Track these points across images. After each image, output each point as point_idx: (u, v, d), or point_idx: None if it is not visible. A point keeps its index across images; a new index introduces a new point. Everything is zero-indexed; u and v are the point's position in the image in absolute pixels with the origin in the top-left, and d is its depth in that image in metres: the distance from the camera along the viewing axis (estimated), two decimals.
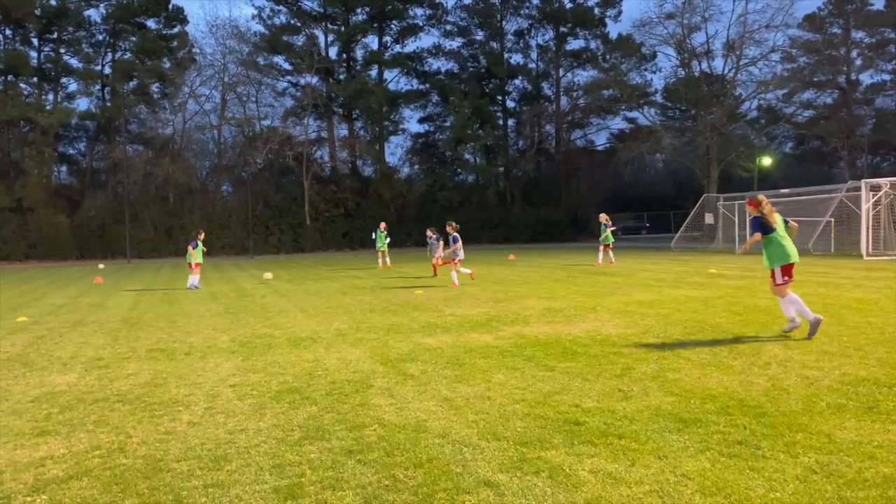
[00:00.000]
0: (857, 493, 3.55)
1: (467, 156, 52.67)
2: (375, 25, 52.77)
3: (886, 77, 62.03)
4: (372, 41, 54.16)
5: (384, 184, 50.19)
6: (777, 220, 8.06)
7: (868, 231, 22.52)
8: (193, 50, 48.95)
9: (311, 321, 10.64)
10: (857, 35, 61.95)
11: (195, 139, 49.45)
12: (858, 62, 62.62)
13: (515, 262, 25.86)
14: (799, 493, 3.60)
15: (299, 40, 51.47)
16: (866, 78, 62.91)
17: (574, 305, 11.54)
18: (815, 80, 60.63)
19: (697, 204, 35.15)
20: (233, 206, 47.68)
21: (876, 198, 22.36)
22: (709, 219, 34.02)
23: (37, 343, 9.28)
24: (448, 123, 53.09)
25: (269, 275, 20.44)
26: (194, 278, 17.35)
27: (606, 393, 5.71)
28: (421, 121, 57.16)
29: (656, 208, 61.33)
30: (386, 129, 53.50)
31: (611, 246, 21.57)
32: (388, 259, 24.48)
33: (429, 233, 20.28)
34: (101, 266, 33.75)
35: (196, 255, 17.31)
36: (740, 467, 3.96)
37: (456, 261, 16.32)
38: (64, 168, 52.02)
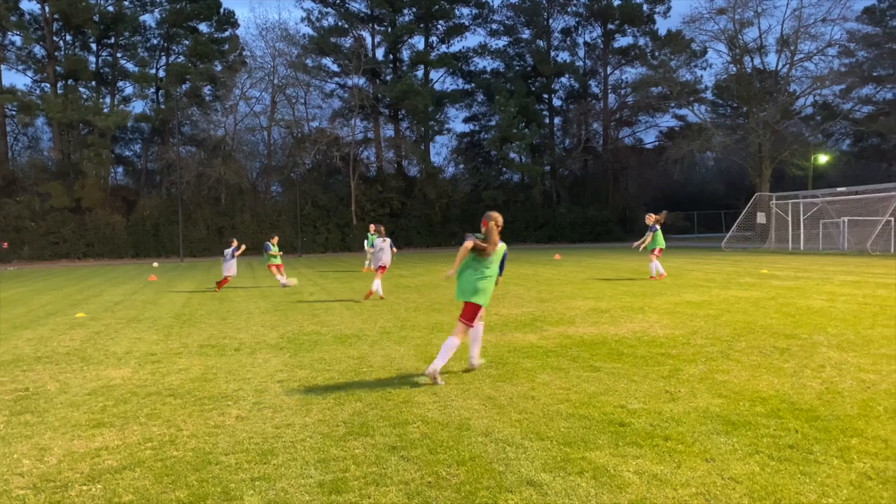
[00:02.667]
0: None
1: (513, 155, 52.39)
2: (422, 26, 52.90)
3: None
4: (418, 41, 54.41)
5: (429, 183, 50.36)
6: None
7: None
8: (244, 53, 49.88)
9: (357, 319, 10.75)
10: None
11: (246, 140, 50.39)
12: None
13: (561, 261, 25.64)
14: (853, 499, 3.49)
15: (347, 42, 52.00)
16: None
17: (621, 306, 11.39)
18: (875, 74, 58.56)
19: (749, 203, 34.28)
20: (282, 206, 48.48)
21: None
22: (761, 218, 33.15)
23: (94, 338, 9.60)
24: (493, 123, 52.91)
25: (155, 264, 20.44)
26: (281, 278, 17.75)
27: (653, 394, 5.63)
28: (466, 120, 57.18)
29: (706, 207, 60.02)
30: (431, 129, 53.61)
31: (658, 252, 16.55)
32: (368, 262, 22.51)
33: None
34: (155, 264, 34.71)
35: (272, 257, 17.91)
36: (791, 472, 3.86)
37: (375, 268, 14.28)
38: (120, 169, 53.66)
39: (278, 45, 48.02)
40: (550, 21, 55.37)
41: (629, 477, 3.86)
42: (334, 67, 52.58)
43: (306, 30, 51.99)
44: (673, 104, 51.70)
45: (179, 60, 50.14)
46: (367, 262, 22.86)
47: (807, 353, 7.05)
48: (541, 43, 55.30)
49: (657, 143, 58.46)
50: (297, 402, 5.69)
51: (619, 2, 53.58)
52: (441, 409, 5.32)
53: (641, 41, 54.92)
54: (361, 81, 50.76)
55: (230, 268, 16.95)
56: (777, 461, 4.03)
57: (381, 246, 13.92)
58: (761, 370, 6.34)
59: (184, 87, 49.06)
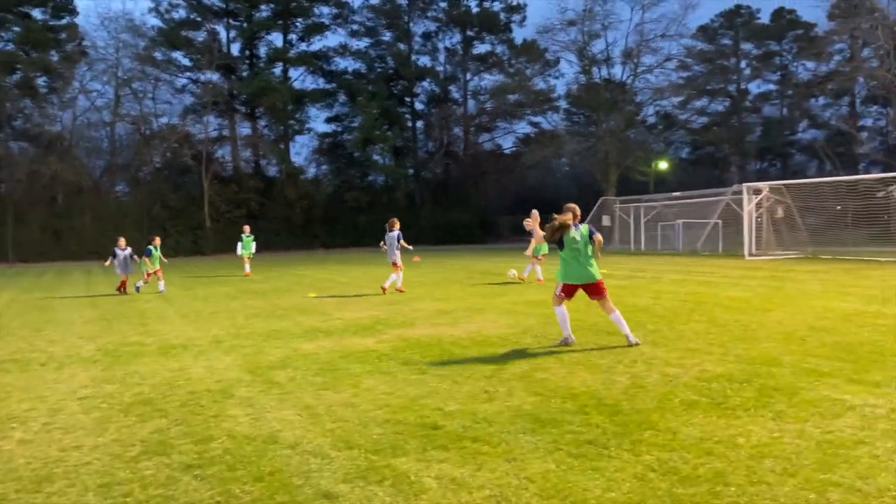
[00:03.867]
0: (688, 490, 3.62)
1: (376, 157, 52.31)
2: (280, 23, 51.57)
3: (772, 87, 66.07)
4: (276, 39, 52.92)
5: (290, 184, 49.10)
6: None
7: (751, 232, 23.79)
8: (84, 43, 46.32)
9: (190, 327, 10.17)
10: (746, 46, 65.71)
11: (87, 137, 46.84)
12: (747, 72, 66.44)
13: (420, 263, 25.78)
14: (633, 491, 3.64)
15: (200, 36, 49.70)
16: (754, 87, 66.80)
17: (464, 307, 11.56)
18: (709, 88, 63.88)
19: (595, 207, 36.21)
20: (128, 208, 45.46)
21: (757, 200, 23.65)
22: (606, 221, 35.15)
23: None
24: (356, 124, 52.51)
25: None
26: (160, 283, 16.81)
27: (472, 395, 5.67)
28: (328, 121, 56.29)
29: (561, 211, 62.83)
30: (291, 129, 52.39)
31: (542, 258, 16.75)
32: (247, 266, 21.78)
33: (121, 244, 16.89)
34: None
35: (152, 262, 17.05)
36: (583, 468, 3.98)
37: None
38: None
39: (122, 37, 45.09)
40: (411, 25, 55.75)
41: (428, 482, 3.82)
42: (186, 62, 50.09)
43: (154, 21, 49.06)
44: (529, 111, 53.67)
45: (8, 48, 45.73)
46: (247, 267, 21.78)
47: (623, 349, 7.42)
48: (402, 46, 55.55)
49: (514, 148, 60.42)
50: (94, 421, 5.23)
51: (478, 9, 54.94)
52: (252, 422, 5.08)
53: (499, 49, 56.57)
54: (215, 77, 48.72)
55: (125, 267, 16.35)
56: (574, 458, 4.14)
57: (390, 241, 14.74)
58: (579, 367, 6.59)
59: (14, 77, 44.81)
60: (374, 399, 5.63)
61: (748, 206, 23.40)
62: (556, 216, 7.64)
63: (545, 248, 16.69)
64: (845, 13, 38.96)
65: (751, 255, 23.31)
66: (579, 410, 5.13)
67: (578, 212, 7.63)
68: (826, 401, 5.17)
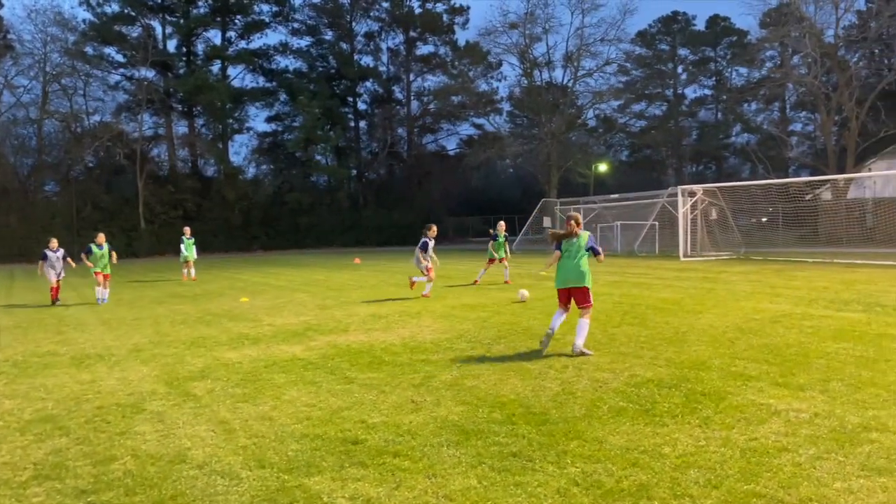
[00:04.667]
0: None
1: (318, 157, 51.58)
2: (218, 19, 50.34)
3: (707, 92, 68.02)
4: (215, 36, 51.61)
5: (228, 184, 47.92)
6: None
7: (686, 234, 24.27)
8: (9, 36, 44.22)
9: (109, 335, 9.66)
10: (683, 52, 67.49)
11: (13, 134, 44.68)
12: (684, 77, 68.25)
13: (360, 266, 25.44)
14: None
15: (134, 31, 48.05)
16: (690, 92, 68.67)
17: (400, 311, 11.34)
18: (647, 92, 65.34)
19: (536, 208, 36.48)
20: (57, 208, 43.56)
21: (692, 202, 24.14)
22: (546, 222, 35.44)
23: None
24: (297, 123, 51.64)
25: None
26: (101, 291, 14.36)
27: (398, 405, 5.47)
28: (269, 120, 55.18)
29: (504, 212, 63.15)
30: (230, 128, 51.19)
31: (498, 261, 16.55)
32: (192, 270, 20.42)
33: (53, 245, 15.12)
34: None
35: (94, 262, 14.53)
36: (506, 483, 3.83)
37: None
38: None
39: (51, 30, 43.16)
40: (353, 24, 55.17)
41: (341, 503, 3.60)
42: (119, 58, 48.37)
43: (85, 15, 47.27)
44: (472, 113, 53.77)
45: None
46: (185, 271, 20.26)
47: (557, 353, 7.33)
48: (344, 45, 54.92)
49: (458, 150, 60.48)
50: None
51: (420, 10, 54.75)
52: (160, 440, 4.76)
53: (442, 50, 56.53)
54: (150, 74, 47.22)
55: (57, 269, 14.54)
56: (497, 472, 3.99)
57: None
58: (510, 373, 6.46)
59: None
60: (294, 412, 5.37)
61: (682, 209, 23.88)
62: (550, 232, 8.63)
63: (503, 251, 16.57)
64: (776, 21, 40.24)
65: (685, 256, 23.78)
66: (507, 420, 4.99)
67: (580, 219, 7.76)
68: (752, 406, 5.16)
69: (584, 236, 7.56)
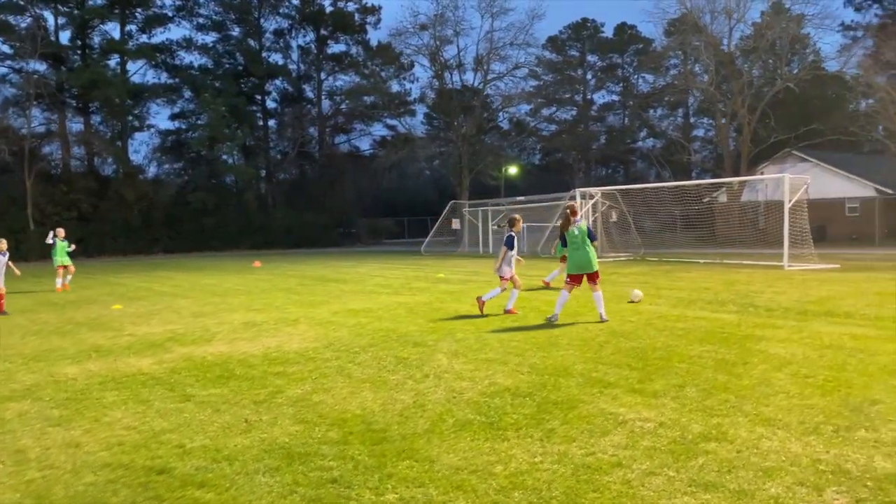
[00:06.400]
0: None
1: (224, 156, 49.86)
2: (116, 11, 47.89)
3: (615, 97, 70.00)
4: (113, 29, 49.08)
5: (127, 184, 45.60)
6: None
7: None
8: None
9: None
10: (592, 58, 69.21)
11: None
12: (593, 83, 69.99)
13: (259, 269, 24.55)
14: None
15: (24, 21, 45.09)
16: (599, 97, 70.51)
17: (279, 318, 10.79)
18: (558, 97, 66.62)
19: (445, 210, 36.40)
20: None
21: (590, 205, 24.49)
22: (455, 224, 35.38)
23: None
24: (202, 121, 49.78)
25: None
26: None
27: (229, 426, 5.01)
28: (172, 117, 52.95)
29: (420, 214, 63.01)
30: (130, 125, 48.82)
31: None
32: (69, 277, 17.90)
33: (2, 247, 14.16)
34: None
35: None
36: None
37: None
38: None
39: None
40: (262, 21, 53.71)
41: None
42: (5, 48, 45.29)
43: None
44: (385, 114, 53.30)
45: None
46: (59, 280, 17.52)
47: (422, 361, 7.02)
48: (252, 42, 53.37)
49: (372, 151, 59.85)
50: None
51: (332, 8, 53.87)
52: None
53: (354, 50, 55.82)
54: (41, 67, 44.43)
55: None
56: (307, 502, 3.60)
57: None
58: (366, 384, 6.10)
59: None
60: (107, 437, 4.82)
61: (581, 211, 24.16)
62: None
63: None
64: (679, 30, 41.66)
65: None
66: (341, 440, 4.61)
67: (577, 207, 9.07)
68: (600, 415, 4.97)
69: (584, 225, 9.15)
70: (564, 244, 9.66)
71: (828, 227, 36.48)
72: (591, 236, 9.18)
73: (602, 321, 9.05)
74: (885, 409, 4.94)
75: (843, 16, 74.06)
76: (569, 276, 9.31)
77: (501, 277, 10.55)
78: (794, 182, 19.53)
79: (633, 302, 11.25)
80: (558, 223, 8.57)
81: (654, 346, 7.51)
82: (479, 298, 10.63)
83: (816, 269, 17.38)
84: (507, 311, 10.29)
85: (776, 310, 10.02)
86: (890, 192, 33.95)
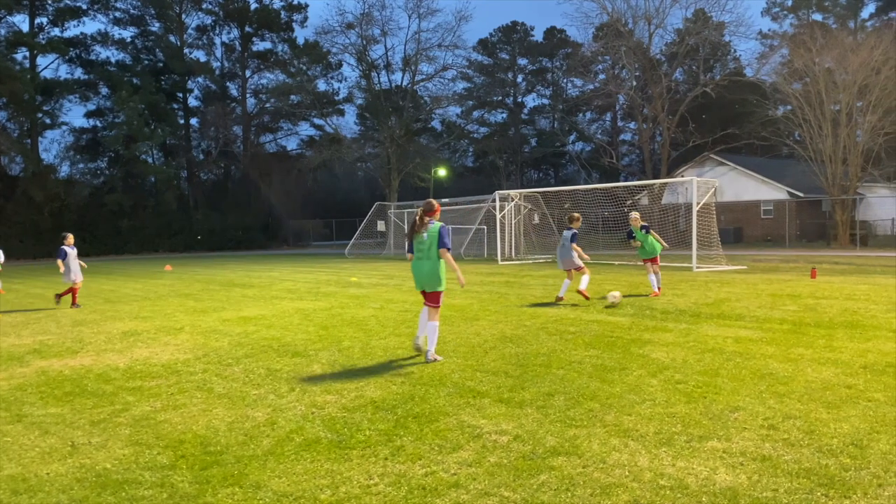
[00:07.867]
0: None
1: (143, 156, 48.02)
2: (25, 3, 45.54)
3: (545, 101, 70.88)
4: (22, 21, 46.66)
5: (36, 184, 43.39)
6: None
7: (505, 238, 24.63)
8: None
9: None
10: (522, 62, 69.88)
11: None
12: (524, 86, 70.67)
13: (167, 274, 23.56)
14: None
15: None
16: (529, 101, 71.27)
17: (162, 326, 10.20)
18: (489, 99, 66.98)
19: (370, 212, 35.96)
20: None
21: (510, 207, 24.53)
22: (380, 226, 34.99)
23: None
24: (120, 119, 47.84)
25: None
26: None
27: (51, 450, 4.54)
28: (88, 115, 50.77)
29: (351, 215, 62.18)
30: (40, 122, 46.49)
31: (656, 260, 12.78)
32: None
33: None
34: None
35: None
36: None
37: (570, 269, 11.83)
38: None
39: None
40: (184, 16, 52.04)
41: None
42: None
43: None
44: (313, 113, 52.39)
45: None
46: None
47: (295, 373, 6.65)
48: (173, 38, 51.64)
49: (299, 150, 58.79)
50: None
51: (256, 5, 52.67)
52: None
53: (280, 48, 54.73)
54: None
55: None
56: None
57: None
58: (223, 400, 5.70)
59: None
60: None
61: (500, 213, 24.22)
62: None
63: (654, 245, 12.68)
64: (604, 35, 42.32)
65: (504, 259, 24.12)
66: (169, 465, 4.21)
67: (436, 205, 7.32)
68: (458, 429, 4.73)
69: (436, 228, 7.11)
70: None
71: (744, 229, 37.76)
72: (443, 243, 6.98)
73: (427, 361, 6.91)
74: (745, 416, 4.86)
75: (760, 24, 77.11)
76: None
77: (579, 268, 11.69)
78: (703, 185, 19.96)
79: (611, 305, 10.83)
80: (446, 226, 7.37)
81: (539, 351, 7.36)
82: (578, 291, 11.57)
83: (722, 271, 17.77)
84: (579, 292, 11.63)
85: (671, 312, 10.06)
86: (801, 194, 35.34)
